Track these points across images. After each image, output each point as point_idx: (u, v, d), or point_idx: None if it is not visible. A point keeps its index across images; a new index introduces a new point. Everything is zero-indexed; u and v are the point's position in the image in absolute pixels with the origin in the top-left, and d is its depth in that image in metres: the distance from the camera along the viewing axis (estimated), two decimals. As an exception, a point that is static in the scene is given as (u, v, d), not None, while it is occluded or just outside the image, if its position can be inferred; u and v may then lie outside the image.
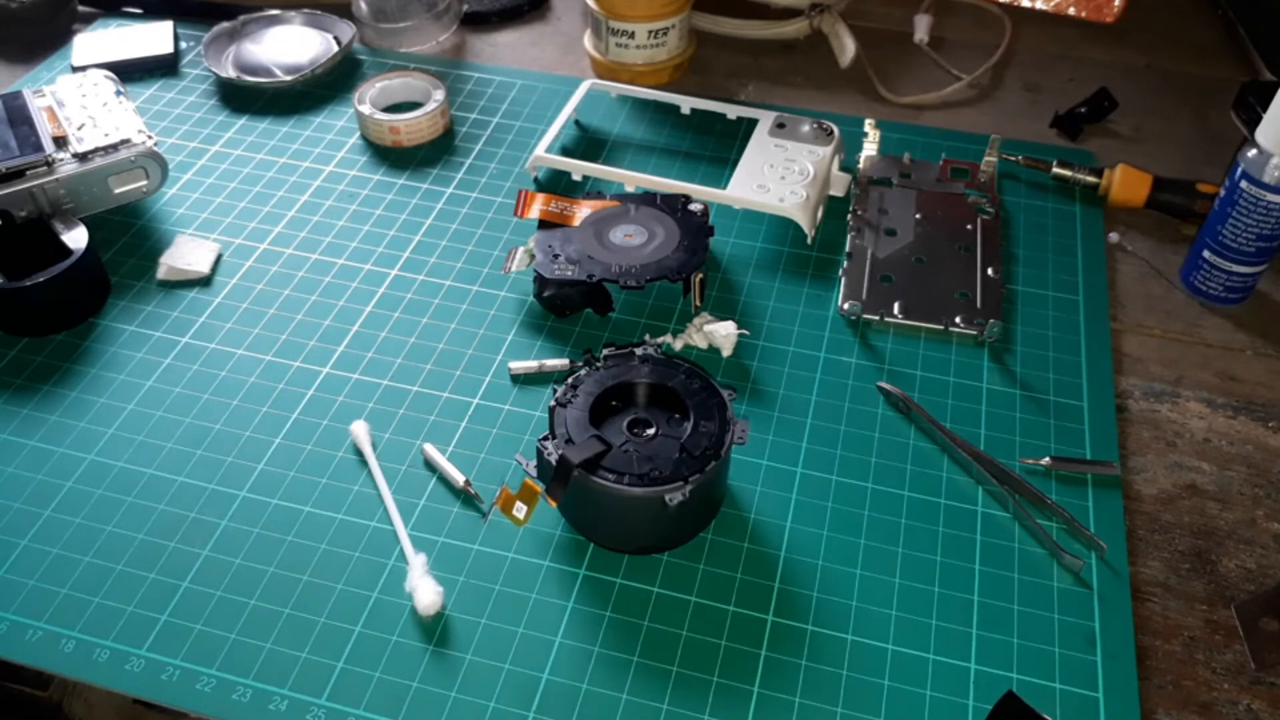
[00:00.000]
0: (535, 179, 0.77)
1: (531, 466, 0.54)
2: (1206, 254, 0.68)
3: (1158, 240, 0.74)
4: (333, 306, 0.68)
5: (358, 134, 0.82)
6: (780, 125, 0.77)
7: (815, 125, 0.76)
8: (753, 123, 0.77)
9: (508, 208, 0.75)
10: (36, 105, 0.72)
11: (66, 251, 0.66)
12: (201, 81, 0.87)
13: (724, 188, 0.72)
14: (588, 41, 0.89)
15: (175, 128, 0.82)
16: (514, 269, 0.67)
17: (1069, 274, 0.70)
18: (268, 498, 0.57)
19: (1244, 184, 0.64)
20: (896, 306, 0.67)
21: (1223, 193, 0.66)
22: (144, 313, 0.67)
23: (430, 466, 0.59)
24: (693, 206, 0.68)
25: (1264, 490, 0.59)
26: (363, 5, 0.91)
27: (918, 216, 0.73)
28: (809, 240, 0.72)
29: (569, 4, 0.98)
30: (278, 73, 0.85)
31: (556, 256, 0.65)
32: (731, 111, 0.80)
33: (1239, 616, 0.53)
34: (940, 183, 0.76)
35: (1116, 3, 0.93)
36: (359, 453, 0.59)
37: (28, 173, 0.67)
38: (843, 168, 0.76)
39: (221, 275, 0.70)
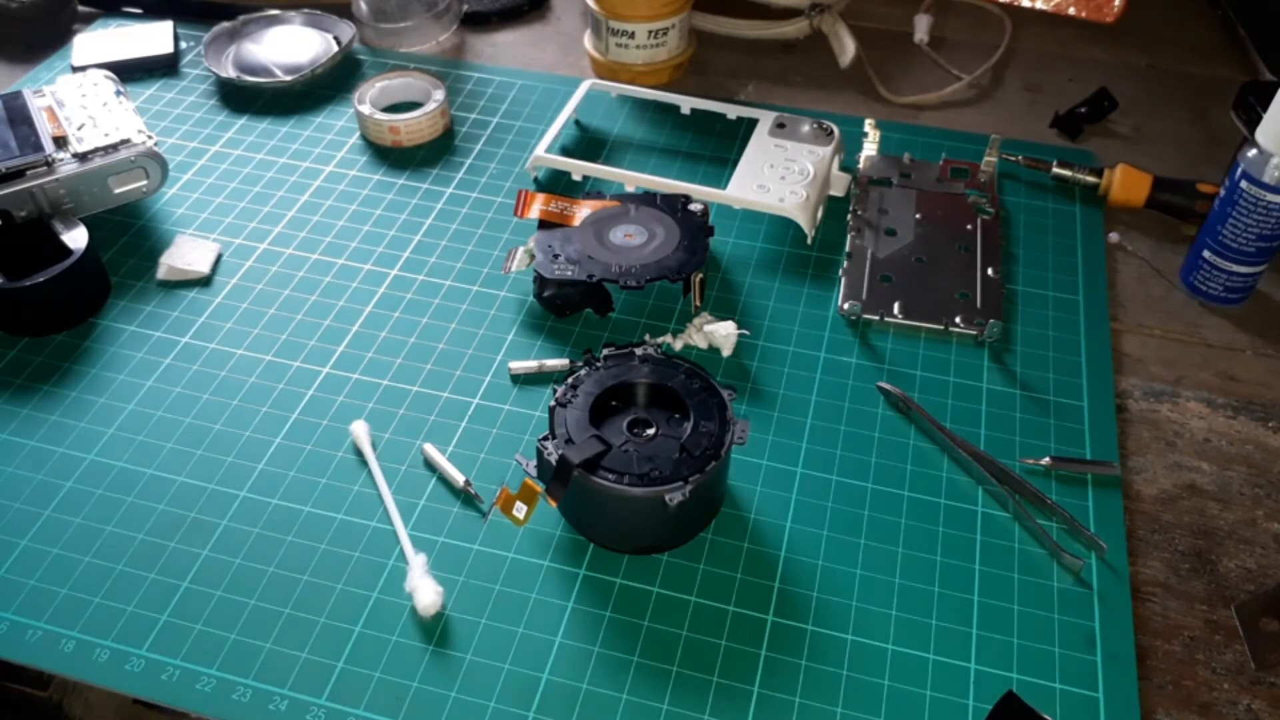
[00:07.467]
0: (535, 179, 0.77)
1: (531, 466, 0.54)
2: (1206, 254, 0.68)
3: (1158, 240, 0.74)
4: (333, 306, 0.68)
5: (358, 134, 0.82)
6: (780, 125, 0.76)
7: (815, 125, 0.76)
8: (753, 123, 0.77)
9: (508, 208, 0.75)
10: (36, 105, 0.72)
11: (66, 251, 0.66)
12: (201, 81, 0.87)
13: (724, 188, 0.72)
14: (588, 41, 0.89)
15: (175, 128, 0.82)
16: (514, 269, 0.67)
17: (1069, 274, 0.70)
18: (268, 498, 0.57)
19: (1244, 184, 0.63)
20: (896, 306, 0.67)
21: (1223, 193, 0.66)
22: (144, 313, 0.67)
23: (430, 466, 0.59)
24: (693, 206, 0.68)
25: (1264, 490, 0.59)
26: (363, 5, 0.91)
27: (918, 216, 0.73)
28: (809, 240, 0.72)
29: (569, 4, 0.98)
30: (278, 73, 0.85)
31: (556, 256, 0.65)
32: (731, 111, 0.80)
33: (1239, 616, 0.53)
34: (940, 183, 0.76)
35: (1116, 3, 0.93)
36: (359, 453, 0.59)
37: (28, 173, 0.67)
38: (843, 168, 0.76)
39: (221, 275, 0.70)
